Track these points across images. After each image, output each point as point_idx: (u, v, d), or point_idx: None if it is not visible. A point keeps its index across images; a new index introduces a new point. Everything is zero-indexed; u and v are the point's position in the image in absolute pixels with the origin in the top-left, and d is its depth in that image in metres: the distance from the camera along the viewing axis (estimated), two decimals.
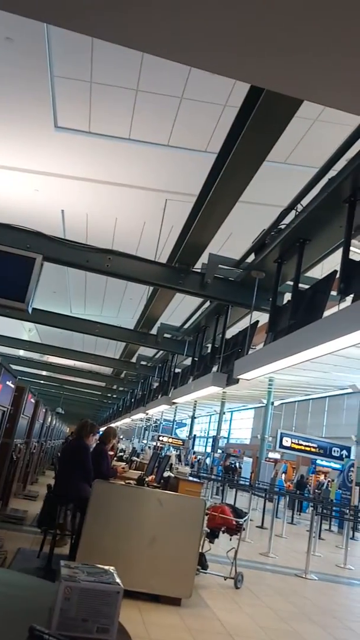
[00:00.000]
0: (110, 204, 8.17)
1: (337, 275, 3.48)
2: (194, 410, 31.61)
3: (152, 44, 1.58)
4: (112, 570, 1.19)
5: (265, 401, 23.47)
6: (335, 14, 1.33)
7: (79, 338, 14.29)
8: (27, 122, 6.29)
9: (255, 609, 5.11)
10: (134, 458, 10.50)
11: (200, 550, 5.16)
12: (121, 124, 6.20)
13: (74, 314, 11.73)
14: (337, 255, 3.69)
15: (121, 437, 26.23)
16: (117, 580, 1.13)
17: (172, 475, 5.92)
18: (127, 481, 5.77)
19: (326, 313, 3.63)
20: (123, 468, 6.13)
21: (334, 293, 3.62)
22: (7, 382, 5.54)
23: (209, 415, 39.41)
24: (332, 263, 4.11)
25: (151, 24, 1.41)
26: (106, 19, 1.46)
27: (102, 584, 1.08)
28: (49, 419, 14.52)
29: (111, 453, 6.53)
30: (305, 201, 3.85)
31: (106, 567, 1.23)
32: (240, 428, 37.23)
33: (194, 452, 31.32)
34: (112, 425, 16.02)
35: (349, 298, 3.34)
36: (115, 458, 9.19)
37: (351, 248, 3.39)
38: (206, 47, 1.57)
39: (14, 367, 9.99)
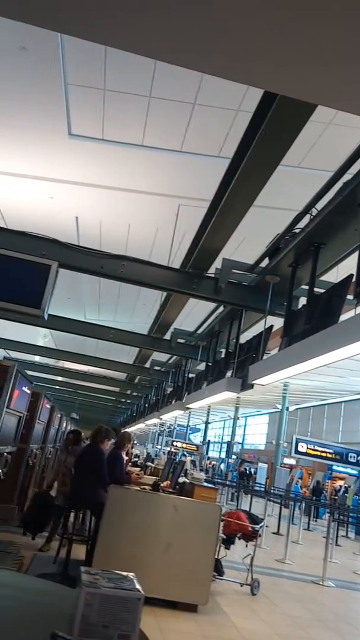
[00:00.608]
0: (124, 210, 8.22)
1: (353, 279, 3.46)
2: (208, 415, 31.49)
3: (168, 51, 1.60)
4: (132, 577, 1.19)
5: (280, 406, 23.30)
6: (345, 23, 1.32)
7: (93, 343, 14.35)
8: (42, 130, 6.37)
9: (272, 615, 5.06)
10: (149, 463, 10.49)
11: (216, 557, 5.13)
12: (134, 130, 6.24)
13: (88, 320, 11.80)
14: (353, 259, 3.67)
15: (135, 442, 26.24)
16: (138, 586, 1.13)
17: (187, 480, 5.90)
18: (142, 487, 5.77)
19: (342, 317, 3.61)
20: (137, 474, 6.12)
21: (350, 297, 3.60)
22: (24, 388, 5.58)
23: (223, 421, 39.23)
24: (348, 267, 4.08)
25: (169, 33, 1.43)
26: (121, 29, 1.48)
27: (123, 590, 1.08)
28: (64, 425, 14.58)
29: (126, 458, 6.53)
30: (320, 205, 3.84)
31: (125, 574, 1.23)
32: (255, 433, 36.98)
33: (208, 458, 31.17)
34: (127, 430, 16.04)
35: None
36: (130, 463, 9.19)
37: None
38: (223, 54, 1.58)
39: (29, 372, 10.07)
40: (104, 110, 5.98)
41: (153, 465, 9.69)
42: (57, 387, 20.52)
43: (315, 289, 4.18)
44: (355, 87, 1.57)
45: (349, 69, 1.51)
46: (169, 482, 6.11)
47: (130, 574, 1.22)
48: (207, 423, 31.99)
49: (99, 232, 8.96)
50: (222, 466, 26.78)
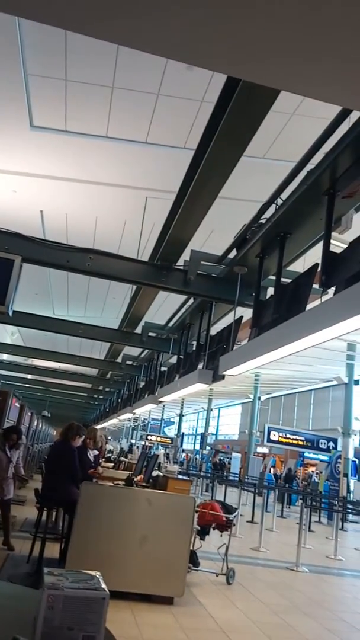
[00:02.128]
0: (90, 203, 8.10)
1: (319, 268, 3.49)
2: (182, 408, 31.62)
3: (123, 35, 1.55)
4: (98, 576, 1.16)
5: (252, 396, 23.57)
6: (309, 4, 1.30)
7: (63, 340, 14.17)
8: (2, 122, 6.20)
9: (248, 604, 5.12)
10: (122, 458, 10.45)
11: (191, 548, 5.14)
12: (98, 121, 6.14)
13: (57, 316, 11.63)
14: (319, 248, 3.70)
15: (109, 437, 26.11)
16: (103, 585, 1.10)
17: (161, 474, 5.89)
18: (115, 482, 5.73)
19: (309, 306, 3.64)
20: (95, 470, 6.03)
21: (316, 286, 3.63)
22: None
23: (197, 413, 39.47)
24: (314, 257, 4.12)
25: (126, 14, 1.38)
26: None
27: (87, 590, 1.05)
28: (35, 423, 14.38)
29: (95, 453, 6.46)
30: (284, 195, 3.85)
31: (92, 573, 1.20)
32: (229, 424, 37.36)
33: (183, 450, 31.35)
34: (96, 427, 15.93)
35: (331, 290, 3.35)
36: (103, 459, 9.13)
37: (332, 240, 3.39)
38: (182, 38, 1.54)
39: None
40: (66, 101, 5.85)
41: (127, 460, 9.66)
42: (27, 385, 20.21)
43: (283, 279, 4.20)
44: (318, 70, 1.55)
45: (309, 52, 1.49)
46: (142, 476, 6.09)
47: (97, 573, 1.19)
48: (181, 416, 32.13)
49: (65, 226, 8.82)
50: (197, 457, 26.96)
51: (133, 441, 28.03)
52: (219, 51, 1.45)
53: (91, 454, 6.09)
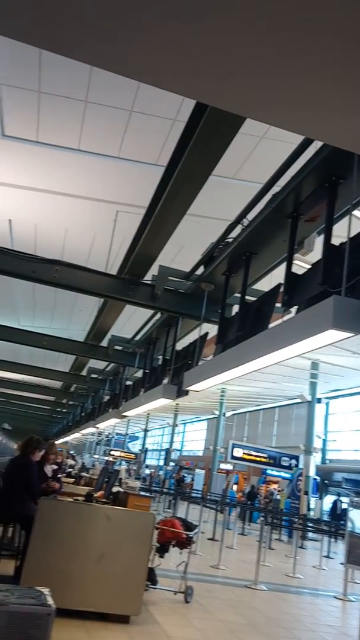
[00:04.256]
0: (60, 214, 8.06)
1: (282, 288, 3.57)
2: (147, 423, 31.39)
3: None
4: (45, 592, 1.15)
5: (217, 412, 23.63)
6: (278, 38, 1.37)
7: (27, 351, 13.92)
8: None
9: (205, 622, 5.08)
10: (83, 474, 10.27)
11: (149, 565, 5.08)
12: (70, 134, 6.15)
13: (22, 326, 11.44)
14: (283, 268, 3.79)
15: (71, 452, 25.62)
16: (50, 601, 1.09)
17: (122, 490, 5.83)
18: (75, 497, 5.63)
19: (272, 324, 3.71)
20: (47, 484, 5.76)
21: (278, 305, 3.71)
22: None
23: (162, 428, 39.23)
24: (279, 277, 4.22)
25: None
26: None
27: (32, 606, 1.03)
28: None
29: (54, 467, 6.32)
30: (251, 215, 3.95)
31: (41, 589, 1.18)
32: (194, 440, 37.25)
33: (147, 466, 31.03)
34: (61, 440, 15.64)
35: (293, 310, 3.43)
36: (63, 474, 8.95)
37: (294, 262, 3.48)
38: (155, 64, 1.58)
39: None
40: (39, 113, 5.85)
41: (88, 476, 9.50)
42: None
43: (247, 297, 4.28)
44: (280, 100, 1.62)
45: (276, 82, 1.55)
46: (103, 492, 6.00)
47: (45, 589, 1.18)
48: (146, 431, 31.87)
49: (33, 236, 8.72)
50: (161, 473, 26.72)
51: (96, 456, 27.63)
52: (181, 75, 1.50)
53: (49, 468, 5.96)
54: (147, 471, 28.78)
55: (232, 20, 1.30)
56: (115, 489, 5.85)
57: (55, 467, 6.28)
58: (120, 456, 28.68)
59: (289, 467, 16.58)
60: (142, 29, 1.39)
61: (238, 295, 4.73)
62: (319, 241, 3.56)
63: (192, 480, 24.82)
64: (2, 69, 5.25)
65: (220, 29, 1.34)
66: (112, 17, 1.33)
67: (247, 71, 1.44)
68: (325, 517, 17.41)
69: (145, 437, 31.89)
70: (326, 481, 21.77)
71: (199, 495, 17.54)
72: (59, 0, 1.32)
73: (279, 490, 19.82)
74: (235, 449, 15.37)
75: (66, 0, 1.31)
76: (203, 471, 25.64)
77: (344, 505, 16.51)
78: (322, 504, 19.01)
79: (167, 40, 1.36)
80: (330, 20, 1.26)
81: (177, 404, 20.93)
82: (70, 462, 15.42)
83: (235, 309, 4.97)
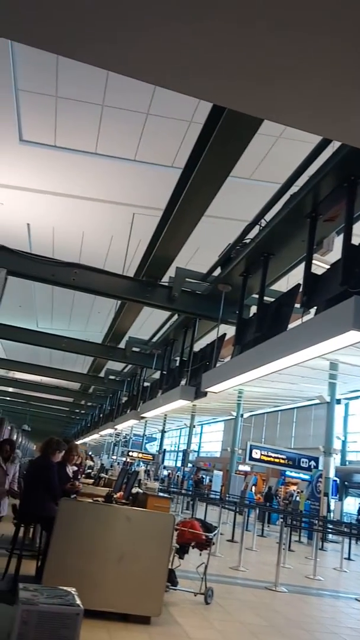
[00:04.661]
0: (77, 217, 8.13)
1: (301, 289, 3.55)
2: (164, 424, 31.43)
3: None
4: (73, 592, 1.16)
5: (235, 413, 23.55)
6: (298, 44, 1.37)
7: (46, 353, 14.05)
8: None
9: (226, 624, 5.07)
10: (102, 475, 10.33)
11: (169, 567, 5.09)
12: (87, 138, 6.20)
13: (40, 329, 11.55)
14: (302, 269, 3.77)
15: (89, 452, 25.78)
16: (78, 601, 1.10)
17: (141, 491, 5.85)
18: (94, 498, 5.67)
19: (290, 325, 3.69)
20: (72, 484, 5.83)
21: (297, 306, 3.69)
22: None
23: (179, 429, 39.24)
24: (297, 277, 4.20)
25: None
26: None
27: (61, 606, 1.05)
28: (15, 437, 14.17)
29: (74, 469, 6.37)
30: (269, 216, 3.93)
31: (67, 589, 1.20)
32: (211, 441, 37.18)
33: (164, 467, 31.07)
34: (79, 442, 15.74)
35: (312, 310, 3.41)
36: (82, 475, 9.02)
37: (313, 262, 3.46)
38: (175, 67, 1.59)
39: None
40: (56, 117, 5.91)
41: (107, 477, 9.56)
42: (8, 398, 19.94)
43: (265, 298, 4.27)
44: (299, 102, 1.62)
45: (295, 86, 1.55)
46: (122, 492, 6.03)
47: (72, 589, 1.19)
48: (163, 432, 31.91)
49: (51, 240, 8.82)
50: (179, 474, 26.72)
51: (114, 457, 27.74)
52: (202, 81, 1.51)
53: (70, 469, 6.02)
54: (165, 472, 28.81)
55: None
56: (134, 490, 5.88)
57: (75, 468, 6.33)
58: (138, 457, 28.77)
59: (308, 469, 16.43)
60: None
61: (256, 296, 4.72)
62: (338, 241, 3.53)
63: (210, 481, 24.77)
64: (19, 74, 5.33)
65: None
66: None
67: (263, 75, 1.45)
68: (347, 519, 17.25)
69: (162, 438, 31.91)
70: (346, 482, 21.53)
71: (218, 497, 17.52)
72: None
73: (298, 492, 19.68)
74: (254, 451, 15.27)
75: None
76: (221, 472, 25.58)
77: None
78: (342, 506, 18.82)
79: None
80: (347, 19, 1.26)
81: (194, 405, 20.92)
82: (89, 463, 15.53)
83: (253, 309, 4.96)
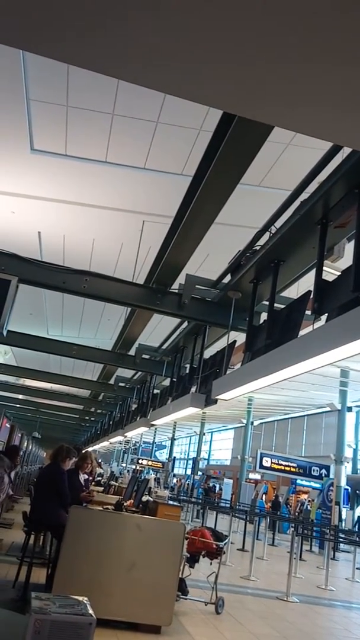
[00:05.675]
0: (88, 225, 8.19)
1: (311, 296, 3.54)
2: (174, 431, 31.32)
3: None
4: (85, 601, 1.16)
5: (245, 421, 23.42)
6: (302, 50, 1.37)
7: (56, 360, 14.12)
8: (3, 145, 6.30)
9: (237, 634, 5.01)
10: (112, 482, 10.31)
11: (180, 576, 5.05)
12: (97, 146, 6.26)
13: (50, 336, 11.61)
14: (312, 276, 3.75)
15: (100, 460, 25.77)
16: (90, 611, 1.10)
17: (151, 499, 5.83)
18: (104, 506, 5.65)
19: (301, 332, 3.67)
20: (88, 493, 5.89)
21: (308, 312, 3.67)
22: None
23: (189, 437, 39.08)
24: (307, 283, 4.18)
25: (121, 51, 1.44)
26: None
27: (73, 615, 1.04)
28: (25, 444, 14.20)
29: (86, 477, 6.36)
30: (279, 223, 3.93)
31: (79, 598, 1.19)
32: (221, 449, 36.98)
33: (174, 475, 30.93)
34: (89, 449, 15.74)
35: (323, 317, 3.39)
36: (93, 482, 9.00)
37: (324, 268, 3.45)
38: (180, 75, 1.60)
39: None
40: (67, 127, 5.98)
41: (117, 484, 9.53)
42: (18, 405, 20.03)
43: (276, 305, 4.25)
44: (304, 108, 1.62)
45: (304, 92, 1.55)
46: (132, 500, 6.01)
47: (84, 598, 1.19)
48: (173, 439, 31.80)
49: (62, 248, 8.89)
50: (188, 482, 26.59)
51: (124, 465, 27.69)
52: (216, 91, 1.51)
53: (82, 477, 6.01)
54: (174, 480, 28.67)
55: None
56: (144, 498, 5.85)
57: (86, 476, 6.32)
58: (148, 465, 28.68)
59: (319, 477, 16.28)
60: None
61: (266, 303, 4.71)
62: (349, 247, 3.52)
63: (220, 489, 24.60)
64: (31, 85, 5.39)
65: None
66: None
67: (282, 80, 1.45)
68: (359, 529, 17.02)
69: (172, 445, 31.80)
70: (357, 491, 21.27)
71: (228, 505, 17.39)
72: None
73: (309, 501, 19.48)
74: (264, 459, 15.18)
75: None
76: (231, 480, 25.42)
77: None
78: (354, 515, 18.58)
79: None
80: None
81: (204, 413, 20.84)
82: (99, 470, 15.51)
83: (264, 316, 4.94)
